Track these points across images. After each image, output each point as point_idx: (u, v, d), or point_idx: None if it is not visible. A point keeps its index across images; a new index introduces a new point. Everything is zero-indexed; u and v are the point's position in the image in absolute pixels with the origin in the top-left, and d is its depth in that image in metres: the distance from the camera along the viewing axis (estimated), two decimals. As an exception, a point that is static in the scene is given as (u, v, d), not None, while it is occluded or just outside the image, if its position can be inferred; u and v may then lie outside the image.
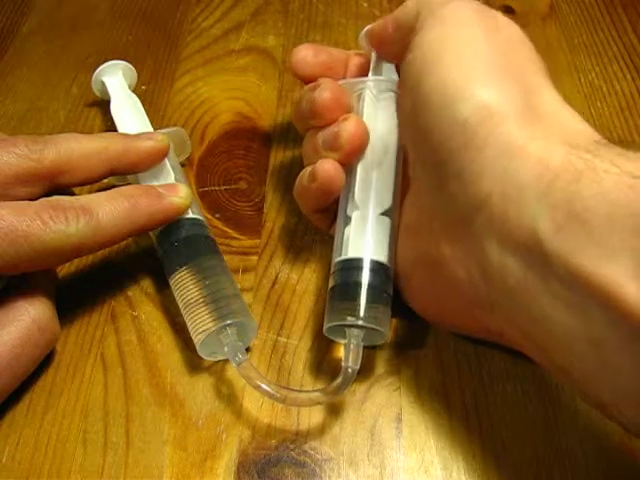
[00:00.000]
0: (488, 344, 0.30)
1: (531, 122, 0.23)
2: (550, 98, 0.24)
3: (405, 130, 0.29)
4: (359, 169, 0.29)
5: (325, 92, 0.29)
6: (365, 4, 0.48)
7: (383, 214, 0.29)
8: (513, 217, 0.22)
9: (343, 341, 0.28)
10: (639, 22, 0.46)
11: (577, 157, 0.21)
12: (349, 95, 0.31)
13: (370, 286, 0.27)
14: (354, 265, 0.28)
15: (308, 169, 0.30)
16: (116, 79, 0.38)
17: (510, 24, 0.27)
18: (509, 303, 0.22)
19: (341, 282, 0.28)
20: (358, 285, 0.27)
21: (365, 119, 0.30)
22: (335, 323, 0.27)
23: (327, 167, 0.29)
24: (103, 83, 0.38)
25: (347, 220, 0.29)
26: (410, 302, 0.30)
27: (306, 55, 0.32)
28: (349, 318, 0.27)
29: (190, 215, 0.31)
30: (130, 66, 0.39)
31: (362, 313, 0.27)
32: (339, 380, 0.26)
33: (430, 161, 0.25)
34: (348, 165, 0.29)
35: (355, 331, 0.27)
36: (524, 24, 0.47)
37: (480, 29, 0.26)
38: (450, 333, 0.30)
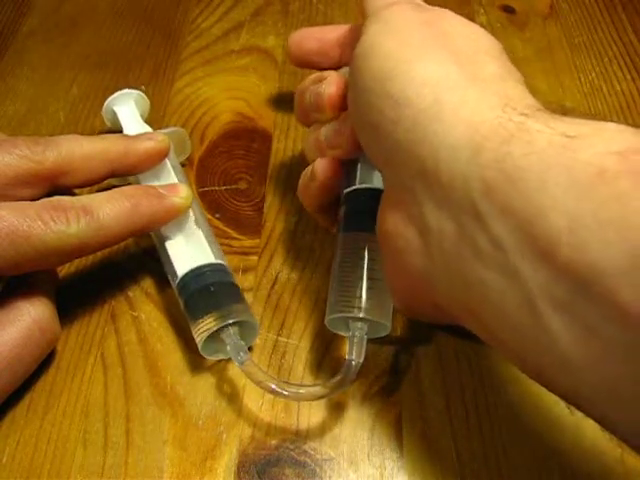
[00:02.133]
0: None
1: (464, 88, 0.23)
2: (493, 68, 0.24)
3: (354, 124, 0.28)
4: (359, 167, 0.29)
5: (331, 86, 0.29)
6: (365, 4, 0.47)
7: None
8: (446, 180, 0.21)
9: (343, 333, 0.28)
10: (639, 22, 0.46)
11: (508, 120, 0.21)
12: None
13: (370, 278, 0.27)
14: (362, 193, 0.28)
15: (309, 168, 0.30)
16: (128, 109, 0.36)
17: (450, 13, 0.27)
18: (446, 272, 0.22)
19: (349, 211, 0.29)
20: (359, 278, 0.27)
21: None
22: (337, 315, 0.27)
23: (325, 166, 0.29)
24: (114, 112, 0.36)
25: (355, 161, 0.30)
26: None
27: (300, 42, 0.33)
28: (352, 311, 0.27)
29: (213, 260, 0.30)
30: (142, 94, 0.37)
31: (364, 305, 0.27)
32: (343, 373, 0.26)
33: (372, 140, 0.25)
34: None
35: (359, 324, 0.27)
36: (524, 24, 0.47)
37: (417, 19, 0.26)
38: (450, 333, 0.30)
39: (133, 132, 0.35)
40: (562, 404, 0.28)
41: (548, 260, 0.18)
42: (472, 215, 0.21)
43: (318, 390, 0.26)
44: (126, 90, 0.36)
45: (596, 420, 0.20)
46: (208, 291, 0.28)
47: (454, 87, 0.23)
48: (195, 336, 0.28)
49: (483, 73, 0.24)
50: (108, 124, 0.37)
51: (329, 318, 0.27)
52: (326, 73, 0.30)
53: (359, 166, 0.29)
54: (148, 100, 0.37)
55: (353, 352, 0.26)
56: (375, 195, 0.28)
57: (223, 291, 0.29)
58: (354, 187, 0.29)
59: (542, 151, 0.19)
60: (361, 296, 0.27)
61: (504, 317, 0.20)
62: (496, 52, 0.25)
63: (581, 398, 0.19)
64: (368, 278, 0.27)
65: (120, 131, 0.35)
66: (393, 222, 0.25)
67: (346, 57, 0.32)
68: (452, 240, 0.21)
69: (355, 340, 0.27)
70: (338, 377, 0.26)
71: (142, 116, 0.37)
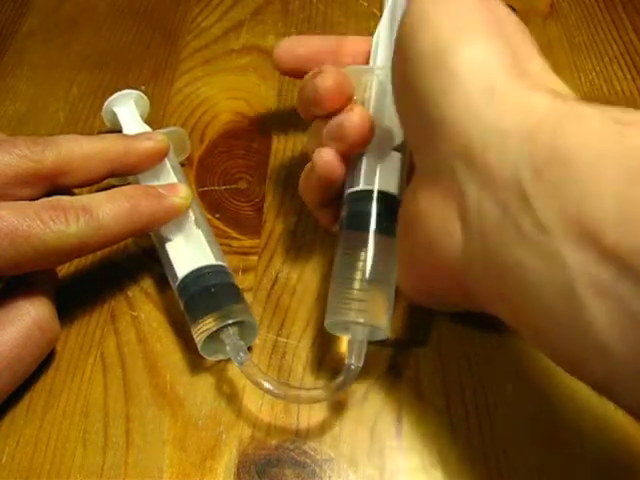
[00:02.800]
0: (488, 343, 0.30)
1: (518, 77, 0.23)
2: (539, 64, 0.24)
3: (395, 90, 0.27)
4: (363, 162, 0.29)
5: (327, 79, 0.29)
6: (365, 4, 0.48)
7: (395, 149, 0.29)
8: (494, 162, 0.21)
9: (342, 335, 0.27)
10: (639, 21, 0.46)
11: (561, 104, 0.21)
12: (352, 82, 0.30)
13: (371, 281, 0.27)
14: (364, 196, 0.28)
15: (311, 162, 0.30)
16: (128, 109, 0.36)
17: (502, 4, 0.27)
18: (484, 253, 0.22)
19: (351, 213, 0.28)
20: (360, 281, 0.27)
21: (372, 109, 0.30)
22: (336, 319, 0.27)
23: (325, 156, 0.28)
24: (114, 113, 0.36)
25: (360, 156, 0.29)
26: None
27: (287, 48, 0.32)
28: (352, 315, 0.26)
29: (213, 262, 0.30)
30: (142, 95, 0.37)
31: (364, 309, 0.26)
32: (342, 377, 0.26)
33: (415, 113, 0.25)
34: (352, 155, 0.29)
35: (358, 328, 0.27)
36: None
37: None
38: (450, 333, 0.30)
39: (133, 132, 0.34)
40: (562, 403, 0.28)
41: (594, 244, 0.18)
42: (518, 197, 0.20)
43: (317, 393, 0.26)
44: (126, 91, 0.36)
45: (630, 412, 0.20)
46: (209, 293, 0.28)
47: (508, 74, 0.23)
48: (195, 336, 0.28)
49: (533, 65, 0.24)
50: (108, 124, 0.37)
51: (328, 321, 0.27)
52: (323, 66, 0.30)
53: (363, 167, 0.29)
54: (148, 100, 0.37)
55: (352, 356, 0.26)
56: (379, 197, 0.28)
57: (224, 293, 0.29)
58: (357, 188, 0.29)
59: (595, 134, 0.19)
60: (361, 300, 0.27)
61: (540, 302, 0.20)
62: (536, 46, 0.26)
63: (616, 388, 0.19)
64: (369, 281, 0.27)
65: (120, 131, 0.35)
66: (428, 202, 0.24)
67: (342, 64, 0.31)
68: (493, 222, 0.21)
69: (355, 344, 0.26)
70: (338, 381, 0.26)
71: (142, 116, 0.37)
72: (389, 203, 0.28)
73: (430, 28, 0.25)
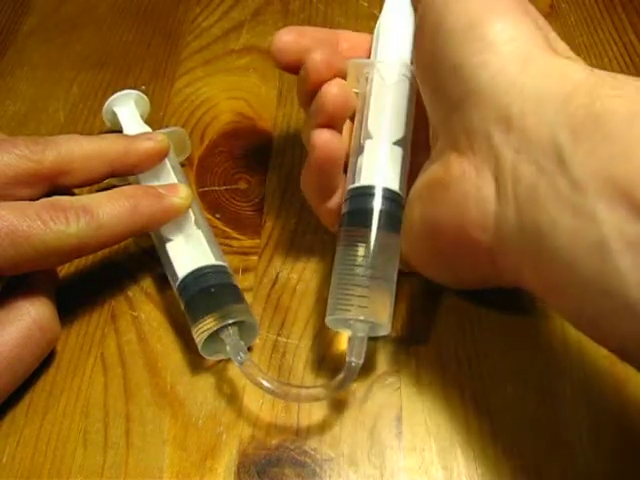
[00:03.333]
0: (487, 343, 0.30)
1: (549, 49, 0.24)
2: (563, 46, 0.26)
3: (420, 67, 0.28)
4: (371, 103, 0.29)
5: (317, 55, 0.29)
6: (365, 4, 0.48)
7: (396, 144, 0.29)
8: (531, 126, 0.22)
9: (343, 331, 0.27)
10: (639, 22, 0.46)
11: (598, 73, 0.22)
12: (343, 61, 0.30)
13: (382, 212, 0.27)
14: (366, 192, 0.28)
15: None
16: (128, 109, 0.36)
17: None
18: (517, 215, 0.23)
19: (352, 209, 0.28)
20: (360, 277, 0.27)
21: (373, 103, 0.30)
22: (337, 316, 0.27)
23: (323, 135, 0.28)
24: (114, 113, 0.36)
25: (360, 149, 0.29)
26: (410, 255, 0.30)
27: (286, 42, 0.32)
28: (352, 312, 0.26)
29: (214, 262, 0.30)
30: (142, 95, 0.37)
31: (365, 306, 0.26)
32: (343, 374, 0.26)
33: (447, 85, 0.26)
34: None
35: (359, 325, 0.27)
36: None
37: None
38: (450, 333, 0.30)
39: (133, 133, 0.34)
40: (562, 403, 0.28)
41: (626, 200, 0.19)
42: (555, 158, 0.21)
43: (318, 392, 0.26)
44: (126, 91, 0.36)
45: None
46: (209, 293, 0.28)
47: (541, 47, 0.24)
48: (195, 336, 0.28)
49: (560, 47, 0.25)
50: (108, 124, 0.37)
51: (329, 318, 0.27)
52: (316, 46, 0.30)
53: (364, 162, 0.29)
54: (148, 100, 0.37)
55: (353, 353, 0.26)
56: (380, 194, 0.28)
57: (224, 293, 0.29)
58: (358, 184, 0.29)
59: (630, 96, 0.20)
60: (362, 296, 0.27)
61: (572, 261, 0.21)
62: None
63: None
64: (370, 277, 0.27)
65: (120, 131, 0.35)
66: (461, 168, 0.25)
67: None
68: (529, 183, 0.22)
69: (355, 341, 0.26)
70: (338, 378, 0.26)
71: (142, 117, 0.37)
72: (390, 199, 0.28)
73: (460, 4, 0.26)
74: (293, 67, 0.31)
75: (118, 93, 0.36)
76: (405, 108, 0.30)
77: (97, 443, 0.27)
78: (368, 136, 0.29)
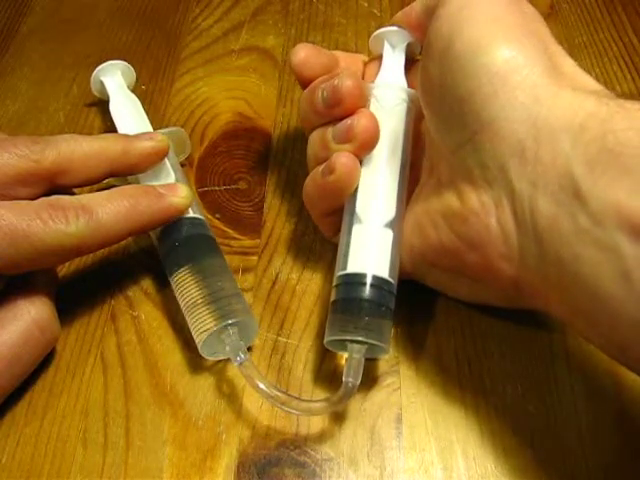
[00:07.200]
0: (487, 344, 0.30)
1: (559, 76, 0.24)
2: (570, 63, 0.26)
3: (428, 94, 0.28)
4: (362, 179, 0.29)
5: (348, 80, 0.29)
6: (365, 4, 0.48)
7: (386, 226, 0.28)
8: (547, 159, 0.22)
9: (343, 353, 0.27)
10: (639, 22, 0.46)
11: (607, 100, 0.22)
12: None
13: (371, 301, 0.27)
14: (355, 280, 0.27)
15: (320, 167, 0.29)
16: (115, 79, 0.38)
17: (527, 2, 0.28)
18: (539, 247, 0.23)
19: (342, 297, 0.27)
20: (359, 300, 0.27)
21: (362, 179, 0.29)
22: (336, 337, 0.27)
23: (345, 160, 0.28)
24: (102, 83, 0.38)
25: (350, 232, 0.29)
26: (425, 275, 0.30)
27: (308, 56, 0.32)
28: (350, 333, 0.26)
29: (191, 214, 0.31)
30: (129, 66, 0.39)
31: (363, 329, 0.26)
32: (340, 393, 0.26)
33: (457, 115, 0.25)
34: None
35: (356, 346, 0.26)
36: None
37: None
38: (450, 334, 0.30)
39: (121, 104, 0.37)
40: (562, 403, 0.28)
41: None
42: (572, 193, 0.21)
43: (315, 406, 0.26)
44: (113, 61, 0.38)
45: None
46: (181, 246, 0.30)
47: (550, 75, 0.24)
48: (195, 336, 0.28)
49: (566, 65, 0.25)
50: (97, 95, 0.39)
51: (327, 340, 0.27)
52: (339, 69, 0.30)
53: (351, 248, 0.28)
54: (134, 71, 0.39)
55: (350, 374, 0.26)
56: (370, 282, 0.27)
57: (196, 243, 0.30)
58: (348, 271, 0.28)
59: None
60: (361, 317, 0.26)
61: (597, 291, 0.21)
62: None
63: None
64: (369, 299, 0.27)
65: (108, 101, 0.37)
66: (479, 201, 0.25)
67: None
68: (548, 218, 0.22)
69: (352, 362, 0.26)
70: (335, 396, 0.26)
71: (128, 87, 0.38)
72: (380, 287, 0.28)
73: (466, 31, 0.25)
74: (310, 82, 0.31)
75: (105, 63, 0.38)
76: (397, 187, 0.29)
77: (97, 443, 0.27)
78: (357, 220, 0.28)
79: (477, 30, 0.25)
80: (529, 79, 0.24)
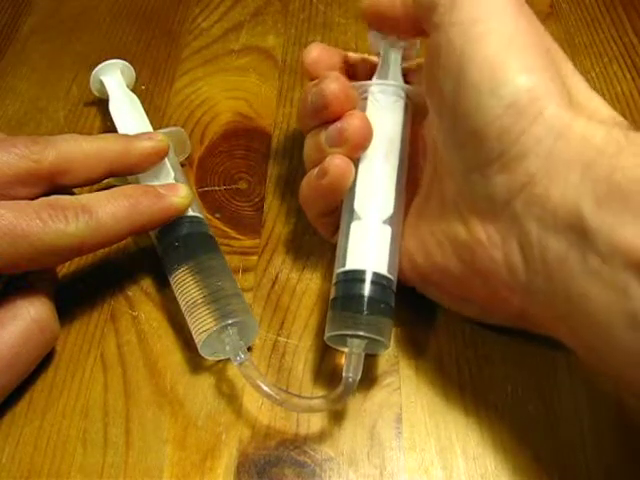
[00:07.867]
0: (487, 345, 0.30)
1: (570, 104, 0.24)
2: (580, 83, 0.25)
3: (437, 114, 0.27)
4: (359, 176, 0.29)
5: (333, 83, 0.29)
6: (365, 4, 0.47)
7: (385, 222, 0.28)
8: (556, 196, 0.22)
9: (344, 349, 0.27)
10: (639, 22, 0.46)
11: (617, 133, 0.22)
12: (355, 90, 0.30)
13: (371, 298, 0.27)
14: (355, 277, 0.27)
15: (315, 169, 0.29)
16: (114, 78, 0.38)
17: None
18: (547, 284, 0.23)
19: (342, 294, 0.27)
20: (359, 297, 0.27)
21: (360, 177, 0.29)
22: (336, 333, 0.27)
23: (337, 162, 0.28)
24: (101, 82, 0.38)
25: (348, 229, 0.29)
26: (429, 292, 0.30)
27: (320, 55, 0.32)
28: (350, 328, 0.26)
29: (190, 213, 0.31)
30: (128, 65, 0.39)
31: (363, 324, 0.26)
32: (340, 390, 0.26)
33: (468, 142, 0.25)
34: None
35: (356, 341, 0.26)
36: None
37: (514, 9, 0.25)
38: (450, 334, 0.30)
39: (120, 102, 0.37)
40: (562, 404, 0.28)
41: None
42: (580, 232, 0.21)
43: (316, 403, 0.26)
44: (113, 60, 0.38)
45: None
46: (180, 246, 0.30)
47: (563, 102, 0.23)
48: (194, 336, 0.28)
49: (576, 86, 0.25)
50: (96, 94, 0.39)
51: (328, 335, 0.27)
52: (327, 73, 0.30)
53: (349, 245, 0.28)
54: (134, 70, 0.39)
55: (350, 369, 0.26)
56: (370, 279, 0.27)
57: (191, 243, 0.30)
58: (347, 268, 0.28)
59: None
60: (361, 313, 0.26)
61: (604, 329, 0.21)
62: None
63: None
64: (369, 296, 0.27)
65: (107, 100, 0.37)
66: (485, 233, 0.25)
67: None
68: (557, 255, 0.22)
69: (352, 357, 0.26)
70: (335, 393, 0.26)
71: (128, 86, 0.38)
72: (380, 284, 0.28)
73: (480, 52, 0.24)
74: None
75: (104, 62, 0.38)
76: (395, 184, 0.29)
77: (97, 443, 0.27)
78: (356, 217, 0.28)
79: (492, 53, 0.24)
80: (546, 111, 0.23)
